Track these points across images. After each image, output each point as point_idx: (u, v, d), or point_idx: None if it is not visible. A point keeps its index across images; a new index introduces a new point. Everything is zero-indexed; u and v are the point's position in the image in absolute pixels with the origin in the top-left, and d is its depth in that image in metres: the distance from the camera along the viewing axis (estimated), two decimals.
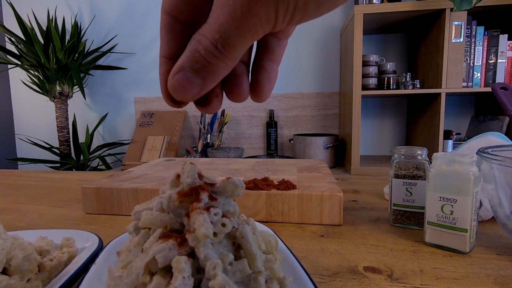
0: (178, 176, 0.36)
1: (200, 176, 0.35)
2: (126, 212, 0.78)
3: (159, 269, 0.29)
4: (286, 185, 0.74)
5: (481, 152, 0.58)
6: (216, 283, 0.27)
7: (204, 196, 0.32)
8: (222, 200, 0.33)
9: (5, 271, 0.36)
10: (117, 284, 0.31)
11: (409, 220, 0.67)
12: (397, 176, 0.67)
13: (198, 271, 0.30)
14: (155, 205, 0.34)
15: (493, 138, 0.75)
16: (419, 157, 0.66)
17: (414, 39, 2.84)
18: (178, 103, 0.31)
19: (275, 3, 0.23)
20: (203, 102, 0.32)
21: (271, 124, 3.05)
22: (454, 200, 0.54)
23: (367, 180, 1.10)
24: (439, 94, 2.38)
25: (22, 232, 0.50)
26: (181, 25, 0.29)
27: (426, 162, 0.66)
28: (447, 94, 2.48)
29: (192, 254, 0.30)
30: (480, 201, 0.70)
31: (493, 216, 0.71)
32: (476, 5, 2.17)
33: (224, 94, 0.33)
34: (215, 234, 0.30)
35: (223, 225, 0.31)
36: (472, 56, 2.46)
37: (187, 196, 0.32)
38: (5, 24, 3.44)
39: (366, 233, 0.65)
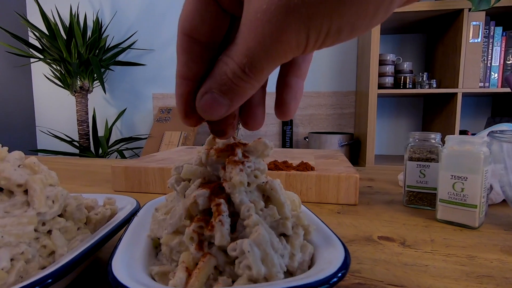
0: (214, 137, 0.40)
1: (234, 138, 0.39)
2: (152, 190, 0.83)
3: (199, 212, 0.33)
4: (304, 167, 0.78)
5: (492, 132, 0.61)
6: (251, 221, 0.31)
7: (239, 151, 0.35)
8: (253, 158, 0.37)
9: (61, 216, 0.41)
10: (161, 226, 0.35)
11: (421, 200, 0.71)
12: (411, 159, 0.71)
13: (233, 215, 0.34)
14: (194, 160, 0.38)
15: (506, 128, 0.78)
16: (433, 141, 0.69)
17: (431, 39, 2.85)
18: (193, 120, 0.31)
19: (306, 30, 0.22)
20: (219, 133, 0.33)
21: (287, 122, 3.08)
22: (465, 178, 0.58)
23: (382, 171, 1.13)
24: (456, 94, 2.39)
25: None
26: (200, 46, 0.28)
27: (440, 145, 0.69)
28: (464, 95, 2.49)
29: (227, 201, 0.34)
30: (491, 185, 0.73)
31: (503, 200, 0.74)
32: (495, 6, 2.17)
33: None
34: (248, 184, 0.34)
35: (256, 176, 0.35)
36: (489, 56, 2.46)
37: (223, 151, 0.36)
38: (29, 19, 3.51)
39: (380, 211, 0.69)
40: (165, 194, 0.48)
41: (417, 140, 0.71)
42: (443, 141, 0.68)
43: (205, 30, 0.28)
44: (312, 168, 0.78)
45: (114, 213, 0.47)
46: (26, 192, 0.38)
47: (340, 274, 0.28)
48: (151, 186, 0.83)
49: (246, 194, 0.34)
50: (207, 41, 0.28)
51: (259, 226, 0.31)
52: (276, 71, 0.30)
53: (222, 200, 0.32)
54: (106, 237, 0.38)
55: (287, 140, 3.10)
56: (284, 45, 0.23)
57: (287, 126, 3.07)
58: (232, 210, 0.34)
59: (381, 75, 2.58)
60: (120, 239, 0.36)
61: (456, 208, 0.60)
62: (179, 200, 0.36)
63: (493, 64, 2.47)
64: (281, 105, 0.33)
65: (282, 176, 0.75)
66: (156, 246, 0.37)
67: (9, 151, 0.41)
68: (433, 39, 2.79)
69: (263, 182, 0.36)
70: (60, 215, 0.40)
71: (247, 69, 0.25)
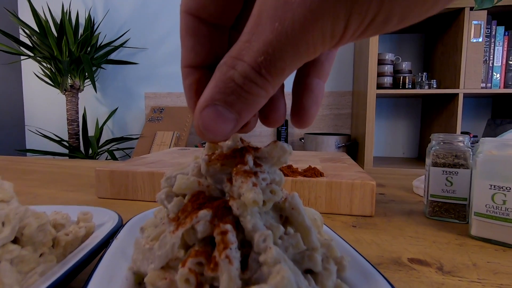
0: None
1: (242, 140, 0.30)
2: (141, 197, 0.74)
3: (198, 241, 0.25)
4: (313, 172, 0.69)
5: None
6: (270, 257, 0.23)
7: (250, 158, 0.27)
8: (266, 167, 0.29)
9: (16, 241, 0.32)
10: (146, 257, 0.26)
11: (448, 212, 0.62)
12: (435, 164, 0.62)
13: (243, 244, 0.25)
14: (190, 170, 0.29)
15: None
16: (461, 144, 0.61)
17: (430, 39, 2.79)
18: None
19: (347, 16, 0.18)
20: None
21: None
22: (508, 188, 0.49)
23: (391, 175, 1.05)
24: (457, 94, 2.32)
25: (34, 206, 0.46)
26: (207, 27, 0.24)
27: (469, 149, 0.61)
28: (465, 95, 2.43)
29: (235, 227, 0.25)
30: None
31: None
32: (496, 5, 2.11)
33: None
34: (263, 202, 0.25)
35: (273, 192, 0.26)
36: (491, 56, 2.40)
37: (229, 158, 0.27)
38: (20, 16, 3.42)
39: (401, 225, 0.60)
40: (156, 201, 0.39)
41: (441, 143, 0.63)
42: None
43: (214, 9, 0.24)
44: (321, 174, 0.69)
45: (90, 232, 0.38)
46: None
47: None
48: (139, 192, 0.74)
49: (261, 216, 0.25)
50: (215, 22, 0.24)
51: (281, 264, 0.22)
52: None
53: (229, 227, 0.24)
54: (76, 268, 0.29)
55: (281, 141, 3.01)
56: (316, 34, 0.18)
57: (282, 127, 2.99)
58: (242, 237, 0.25)
59: (380, 74, 2.51)
60: (92, 272, 0.27)
61: (497, 224, 0.51)
62: (171, 223, 0.27)
63: (495, 64, 2.42)
64: (299, 111, 0.28)
65: (288, 182, 0.67)
66: (139, 282, 0.28)
67: None
68: (432, 38, 2.73)
69: (282, 198, 0.28)
70: (14, 241, 0.31)
71: (264, 70, 0.20)
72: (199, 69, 0.25)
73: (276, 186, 0.26)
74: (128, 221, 0.39)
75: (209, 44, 0.24)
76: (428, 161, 0.64)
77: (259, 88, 0.21)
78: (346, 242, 0.35)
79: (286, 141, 2.98)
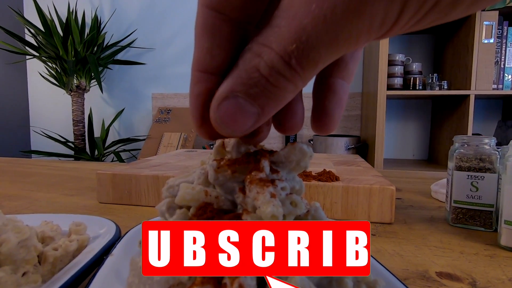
0: (223, 144, 0.27)
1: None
2: (145, 202, 0.70)
3: None
4: (328, 176, 0.65)
5: None
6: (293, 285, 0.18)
7: (266, 164, 0.23)
8: (284, 174, 0.25)
9: None
10: (143, 282, 0.22)
11: (473, 219, 0.58)
12: (459, 168, 0.58)
13: None
14: (196, 177, 0.25)
15: None
16: (487, 146, 0.57)
17: (440, 40, 2.74)
18: (213, 129, 0.22)
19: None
20: (248, 135, 0.24)
21: None
22: None
23: (406, 178, 1.01)
24: (468, 96, 2.27)
25: (23, 215, 0.42)
26: (230, 25, 0.21)
27: (496, 152, 0.56)
28: (476, 97, 2.38)
29: None
30: None
31: None
32: (508, 5, 2.07)
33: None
34: (283, 216, 0.21)
35: (294, 204, 0.22)
36: (503, 57, 2.35)
37: (242, 164, 0.23)
38: (25, 15, 3.39)
39: (424, 234, 0.56)
40: None
41: (465, 145, 0.58)
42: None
43: (239, 2, 0.20)
44: (336, 178, 0.65)
45: (84, 246, 0.34)
46: None
47: None
48: (143, 197, 0.70)
49: None
50: (240, 19, 0.21)
51: None
52: None
53: None
54: None
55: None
56: (362, 21, 0.15)
57: None
58: None
59: (390, 76, 2.47)
60: None
61: None
62: None
63: (506, 66, 2.37)
64: (321, 115, 0.24)
65: None
66: None
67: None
68: (442, 40, 2.69)
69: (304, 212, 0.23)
70: None
71: (294, 61, 0.17)
72: (213, 76, 0.21)
73: (297, 196, 0.22)
74: (126, 233, 0.35)
75: (230, 46, 0.21)
76: (451, 164, 0.59)
77: (287, 82, 0.18)
78: (372, 257, 0.30)
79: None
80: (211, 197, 0.23)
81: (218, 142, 0.27)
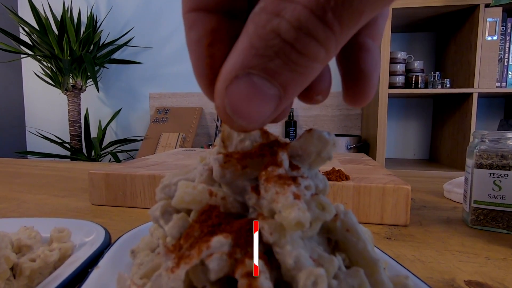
0: (230, 134, 0.22)
1: (264, 132, 0.21)
2: (140, 204, 0.65)
3: (210, 284, 0.16)
4: (337, 175, 0.60)
5: None
6: None
7: (285, 157, 0.18)
8: (305, 170, 0.20)
9: None
10: None
11: (495, 221, 0.53)
12: (480, 166, 0.53)
13: (277, 283, 0.16)
14: (198, 174, 0.20)
15: None
16: (510, 142, 0.52)
17: (442, 38, 2.71)
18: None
19: None
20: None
21: (290, 123, 2.91)
22: None
23: (414, 178, 0.96)
24: (471, 94, 2.23)
25: (1, 220, 0.37)
26: None
27: None
28: (479, 95, 2.34)
29: (267, 260, 0.17)
30: None
31: None
32: None
33: None
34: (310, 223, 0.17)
35: (322, 207, 0.17)
36: (506, 54, 2.31)
37: (254, 157, 0.19)
38: (19, 14, 3.35)
39: (443, 237, 0.51)
40: None
41: (487, 141, 0.54)
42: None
43: None
44: (347, 177, 0.60)
45: (67, 256, 0.29)
46: None
47: None
48: (138, 198, 0.65)
49: (304, 244, 0.17)
50: None
51: None
52: None
53: (259, 263, 0.15)
54: None
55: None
56: None
57: (290, 128, 2.90)
58: (277, 276, 0.16)
59: (392, 74, 2.42)
60: None
61: None
62: (169, 256, 0.18)
63: (510, 63, 2.34)
64: (358, 79, 0.20)
65: None
66: None
67: None
68: (444, 37, 2.65)
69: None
70: None
71: (331, 14, 0.13)
72: (213, 13, 0.16)
73: (325, 197, 0.18)
74: (116, 240, 0.31)
75: None
76: (470, 161, 0.55)
77: (319, 47, 0.14)
78: (407, 269, 0.26)
79: None
80: (216, 198, 0.19)
81: (223, 131, 0.22)
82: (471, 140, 0.56)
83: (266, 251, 0.17)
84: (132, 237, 0.31)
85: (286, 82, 0.15)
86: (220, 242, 0.16)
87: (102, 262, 0.26)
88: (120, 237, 0.32)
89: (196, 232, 0.17)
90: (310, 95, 0.20)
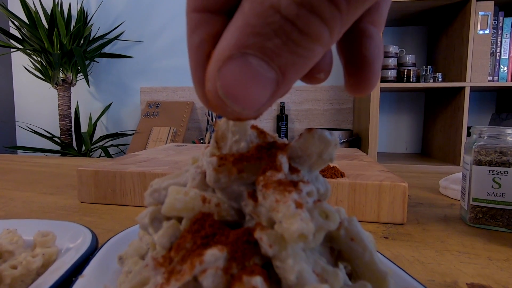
0: (219, 135, 0.21)
1: (261, 132, 0.20)
2: (130, 202, 0.64)
3: None
4: (332, 172, 0.59)
5: None
6: None
7: (284, 160, 0.17)
8: (305, 172, 0.19)
9: None
10: None
11: (494, 219, 0.52)
12: (479, 162, 0.52)
13: None
14: (190, 178, 0.19)
15: None
16: (509, 138, 0.51)
17: (433, 32, 2.70)
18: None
19: None
20: None
21: (282, 117, 2.89)
22: None
23: (408, 173, 0.95)
24: (463, 88, 2.23)
25: None
26: None
27: None
28: (471, 89, 2.34)
29: (266, 276, 0.15)
30: None
31: None
32: None
33: None
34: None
35: (325, 215, 0.16)
36: (498, 48, 2.31)
37: (252, 160, 0.17)
38: (9, 7, 3.30)
39: (441, 236, 0.50)
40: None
41: (485, 137, 0.53)
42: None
43: None
44: (342, 174, 0.59)
45: (51, 261, 0.28)
46: None
47: None
48: (128, 196, 0.63)
49: (307, 257, 0.15)
50: None
51: None
52: None
53: (258, 281, 0.14)
54: None
55: (282, 136, 2.91)
56: None
57: (282, 122, 2.88)
58: None
59: (384, 68, 2.42)
60: None
61: None
62: (159, 270, 0.16)
63: (502, 57, 2.34)
64: (361, 66, 0.19)
65: None
66: None
67: None
68: (436, 31, 2.65)
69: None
70: None
71: None
72: (220, 16, 0.15)
73: (328, 205, 0.16)
74: (103, 245, 0.29)
75: None
76: (469, 158, 0.54)
77: (323, 25, 0.12)
78: (397, 265, 0.25)
79: (286, 137, 2.87)
80: (210, 205, 0.17)
81: (217, 130, 0.20)
82: (464, 135, 0.54)
83: (265, 263, 0.15)
84: (120, 241, 0.30)
85: (285, 65, 0.13)
86: (214, 255, 0.14)
87: (87, 270, 0.24)
88: (107, 241, 0.30)
89: (188, 243, 0.16)
90: (311, 73, 0.19)
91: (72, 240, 0.32)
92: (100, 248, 0.28)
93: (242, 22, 0.13)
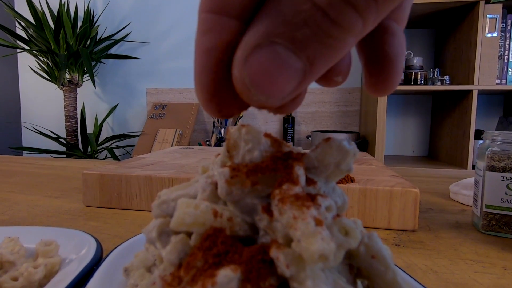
0: (231, 145, 0.20)
1: (275, 141, 0.19)
2: (136, 206, 0.63)
3: None
4: (342, 177, 0.58)
5: None
6: None
7: (301, 172, 0.16)
8: (321, 184, 0.17)
9: None
10: None
11: (508, 226, 0.51)
12: (493, 168, 0.51)
13: None
14: (200, 189, 0.18)
15: None
16: None
17: (441, 34, 2.69)
18: (226, 104, 0.16)
19: None
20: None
21: (288, 119, 2.88)
22: None
23: (417, 177, 0.94)
24: (471, 91, 2.22)
25: None
26: None
27: None
28: (479, 92, 2.33)
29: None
30: None
31: None
32: None
33: None
34: None
35: (346, 232, 0.15)
36: (506, 51, 2.30)
37: (267, 172, 0.16)
38: (16, 8, 3.31)
39: (454, 243, 0.49)
40: None
41: (499, 143, 0.51)
42: None
43: None
44: (352, 179, 0.58)
45: (54, 272, 0.27)
46: None
47: None
48: (134, 200, 0.63)
49: (326, 277, 0.14)
50: None
51: None
52: None
53: None
54: None
55: (288, 138, 2.90)
56: None
57: (288, 124, 2.87)
58: None
59: None
60: None
61: None
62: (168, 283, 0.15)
63: (510, 60, 2.33)
64: (383, 65, 0.18)
65: None
66: None
67: None
68: (444, 34, 2.63)
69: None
70: None
71: None
72: (234, 20, 0.14)
73: (349, 220, 0.15)
74: (108, 255, 0.28)
75: None
76: (482, 164, 0.53)
77: (357, 16, 0.12)
78: (410, 275, 0.23)
79: (292, 139, 2.86)
80: (222, 220, 0.16)
81: (229, 138, 0.19)
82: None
83: (281, 284, 0.14)
84: (126, 251, 0.29)
85: (313, 56, 0.13)
86: (227, 277, 0.13)
87: (91, 283, 0.24)
88: (112, 251, 0.29)
89: (199, 262, 0.15)
90: (329, 75, 0.18)
91: (76, 250, 0.31)
92: (105, 259, 0.27)
93: (272, 10, 0.13)
